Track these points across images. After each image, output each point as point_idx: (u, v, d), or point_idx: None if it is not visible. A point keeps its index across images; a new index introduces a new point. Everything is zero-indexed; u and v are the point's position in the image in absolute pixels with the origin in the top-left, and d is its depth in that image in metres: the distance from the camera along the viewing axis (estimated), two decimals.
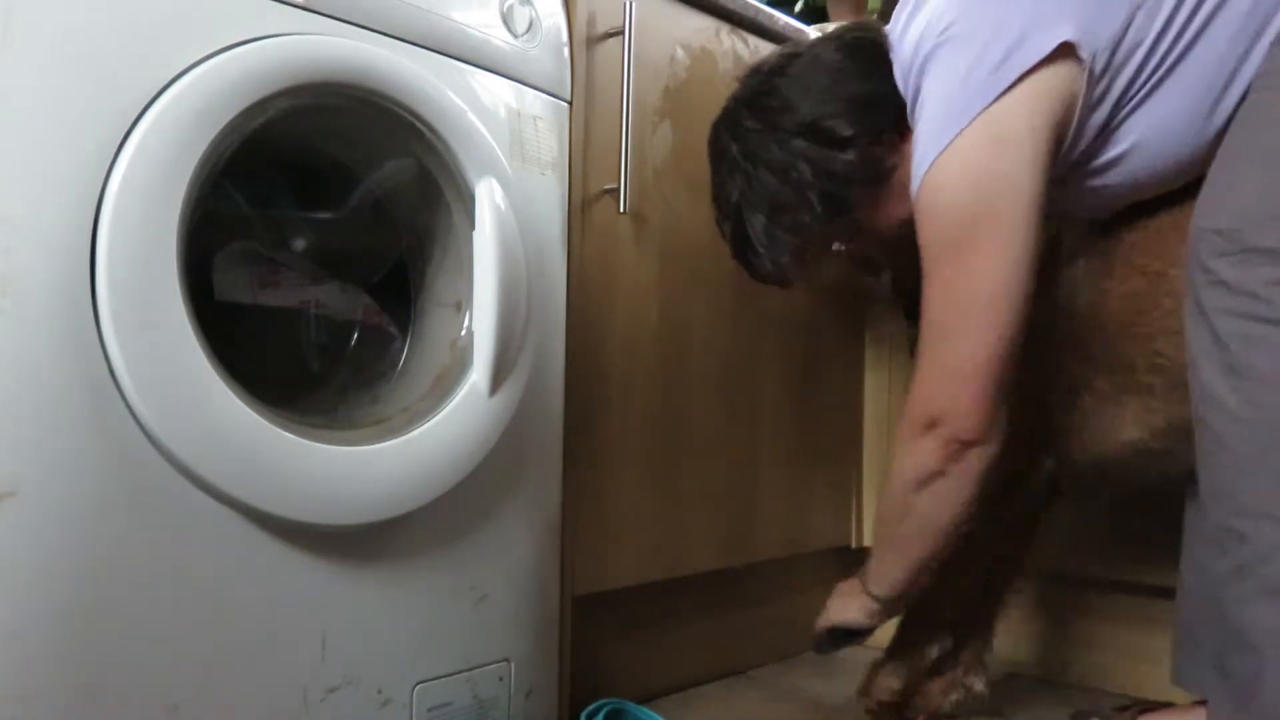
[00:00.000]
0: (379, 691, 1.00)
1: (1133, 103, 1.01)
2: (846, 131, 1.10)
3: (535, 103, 1.17)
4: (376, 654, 0.99)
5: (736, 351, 1.48)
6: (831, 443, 1.67)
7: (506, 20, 1.14)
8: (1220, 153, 0.98)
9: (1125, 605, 1.48)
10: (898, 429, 1.09)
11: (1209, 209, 0.95)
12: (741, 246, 1.21)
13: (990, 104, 0.97)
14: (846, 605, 1.22)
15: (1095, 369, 1.16)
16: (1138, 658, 1.47)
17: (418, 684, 1.03)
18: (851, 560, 1.77)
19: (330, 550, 0.95)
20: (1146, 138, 1.03)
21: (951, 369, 1.02)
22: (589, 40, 1.28)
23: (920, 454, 1.04)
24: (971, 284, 1.00)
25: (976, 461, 1.03)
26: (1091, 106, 1.01)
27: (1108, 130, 1.03)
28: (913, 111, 1.07)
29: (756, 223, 1.17)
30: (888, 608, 1.19)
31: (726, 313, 1.47)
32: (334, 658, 0.96)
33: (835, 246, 1.22)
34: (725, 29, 1.47)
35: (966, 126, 0.98)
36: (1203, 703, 1.15)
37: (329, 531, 0.94)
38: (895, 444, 1.10)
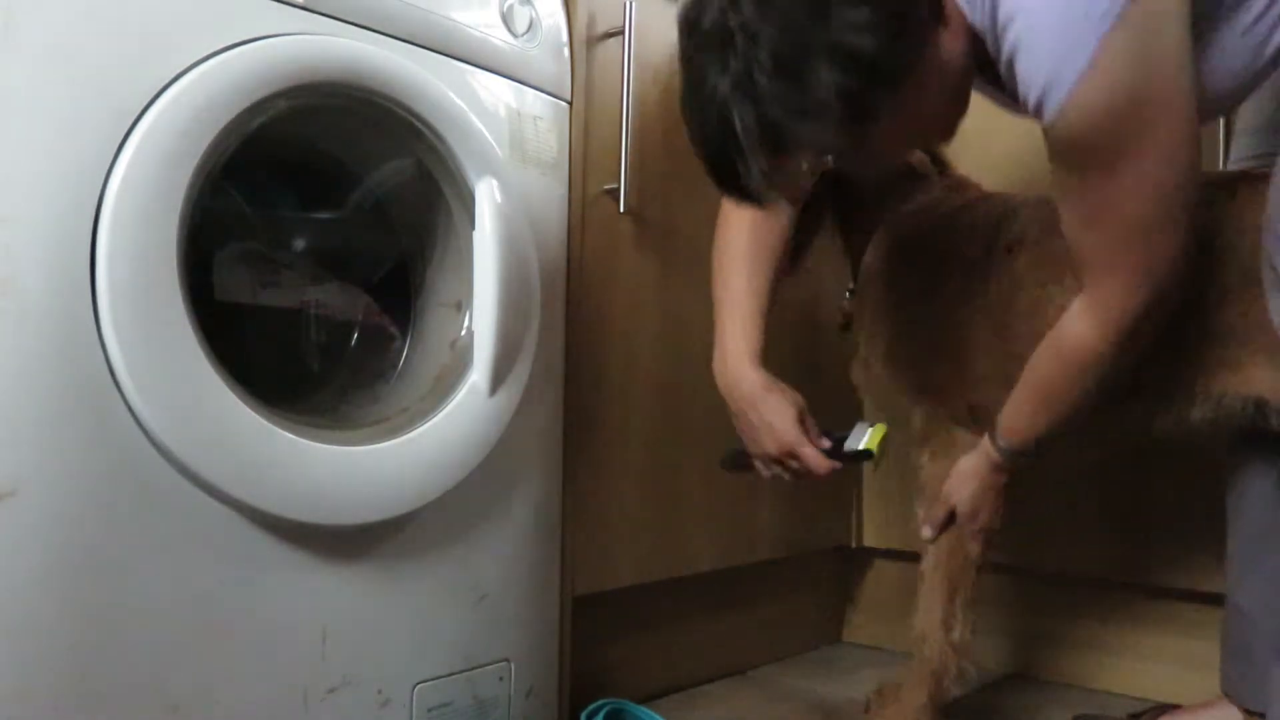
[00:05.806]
0: (379, 691, 1.00)
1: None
2: None
3: (535, 103, 1.17)
4: (376, 654, 0.99)
5: None
6: None
7: (506, 20, 1.14)
8: None
9: (1124, 605, 1.48)
10: (1099, 346, 0.99)
11: None
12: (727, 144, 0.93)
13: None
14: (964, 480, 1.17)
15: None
16: (1137, 657, 1.47)
17: (418, 684, 1.03)
18: (852, 560, 1.77)
19: (330, 550, 0.95)
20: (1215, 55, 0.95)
21: (1162, 259, 0.95)
22: (589, 40, 1.28)
23: (1132, 354, 1.00)
24: (1162, 174, 0.92)
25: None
26: None
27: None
28: (998, 33, 0.91)
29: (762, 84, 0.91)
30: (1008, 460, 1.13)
31: None
32: (334, 658, 0.96)
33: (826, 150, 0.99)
34: None
35: (1108, 31, 0.86)
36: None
37: (329, 531, 0.94)
38: (1097, 358, 1.01)
